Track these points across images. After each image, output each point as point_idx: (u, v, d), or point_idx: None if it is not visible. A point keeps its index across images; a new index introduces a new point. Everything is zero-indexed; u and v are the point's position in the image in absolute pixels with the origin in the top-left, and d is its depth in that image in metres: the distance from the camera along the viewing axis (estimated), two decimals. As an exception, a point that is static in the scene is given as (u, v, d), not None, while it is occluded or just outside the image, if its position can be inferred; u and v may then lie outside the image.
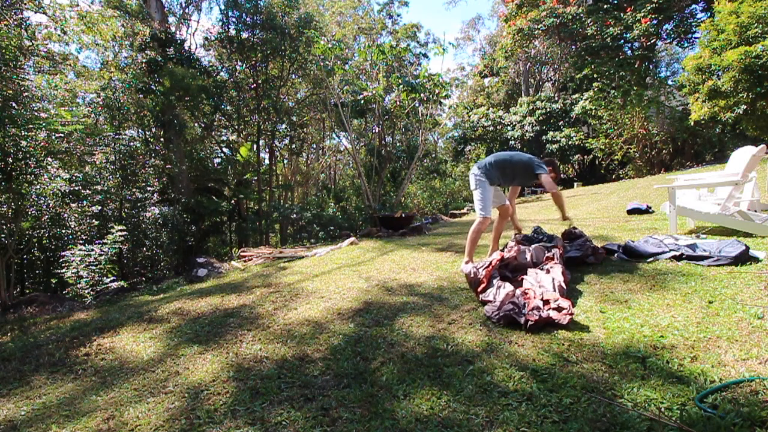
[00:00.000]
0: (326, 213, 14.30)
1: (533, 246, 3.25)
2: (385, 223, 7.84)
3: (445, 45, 10.53)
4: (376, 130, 15.08)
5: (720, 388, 1.59)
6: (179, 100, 11.70)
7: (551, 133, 20.45)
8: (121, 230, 7.05)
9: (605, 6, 16.66)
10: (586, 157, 21.61)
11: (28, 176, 5.99)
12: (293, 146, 20.10)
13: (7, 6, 8.65)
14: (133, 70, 12.74)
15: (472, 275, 2.88)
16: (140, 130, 12.95)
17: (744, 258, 2.95)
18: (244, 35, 13.31)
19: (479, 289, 2.77)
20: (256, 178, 14.68)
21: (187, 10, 17.43)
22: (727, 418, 1.40)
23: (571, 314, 2.31)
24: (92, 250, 6.43)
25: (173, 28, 15.11)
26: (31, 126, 5.97)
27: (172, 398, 1.98)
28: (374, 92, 10.44)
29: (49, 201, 6.84)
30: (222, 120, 15.67)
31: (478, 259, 3.49)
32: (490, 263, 2.91)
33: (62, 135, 7.80)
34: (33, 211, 6.72)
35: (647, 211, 6.03)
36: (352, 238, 6.64)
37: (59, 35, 11.50)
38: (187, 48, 13.57)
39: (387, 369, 2.03)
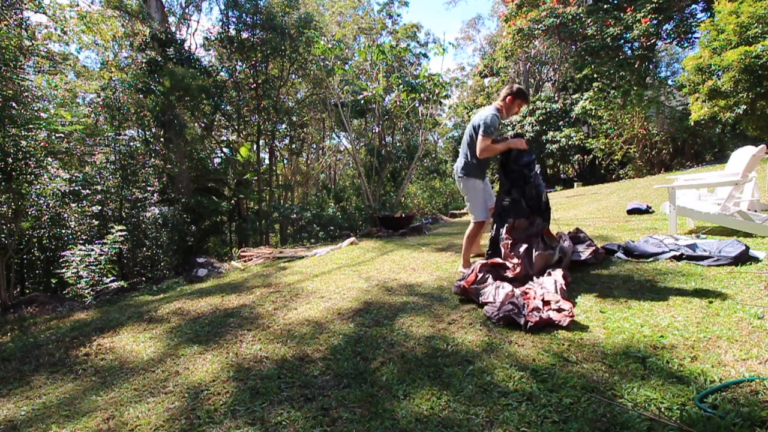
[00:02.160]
0: (326, 213, 14.31)
1: (536, 254, 2.99)
2: (385, 223, 7.84)
3: (445, 45, 10.52)
4: (376, 130, 15.09)
5: (720, 388, 1.59)
6: (179, 100, 11.70)
7: (551, 133, 20.45)
8: (121, 230, 7.05)
9: (605, 6, 16.66)
10: (586, 157, 21.61)
11: (28, 176, 5.99)
12: (293, 146, 20.12)
13: (7, 6, 8.65)
14: (133, 70, 12.75)
15: (456, 290, 2.89)
16: (140, 130, 12.96)
17: (744, 258, 2.95)
18: (244, 35, 13.32)
19: (471, 297, 2.77)
20: (256, 178, 14.69)
21: (187, 10, 17.43)
22: (727, 418, 1.40)
23: (572, 316, 2.30)
24: (92, 250, 6.43)
25: (173, 28, 15.11)
26: (31, 126, 5.97)
27: (172, 398, 1.98)
28: (374, 92, 10.44)
29: (49, 201, 6.85)
30: (222, 120, 15.68)
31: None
32: (472, 271, 2.88)
33: (62, 135, 7.81)
34: (33, 211, 6.72)
35: (647, 211, 6.02)
36: (352, 238, 6.64)
37: (59, 35, 11.51)
38: (187, 48, 13.58)
39: (387, 369, 2.03)
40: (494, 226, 3.28)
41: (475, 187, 3.39)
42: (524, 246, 3.01)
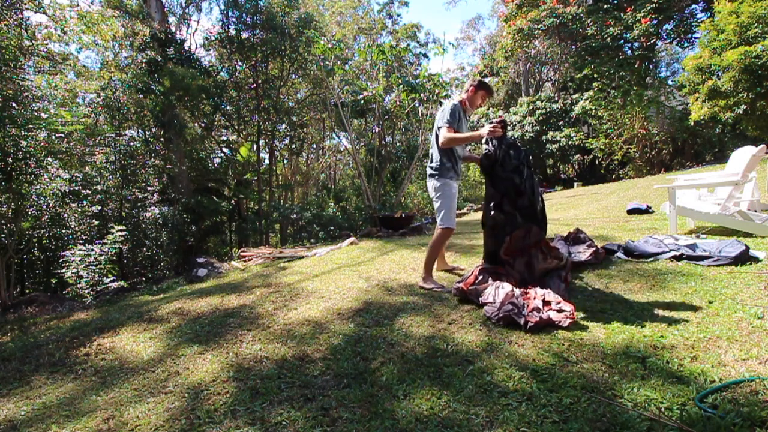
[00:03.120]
0: (326, 213, 14.29)
1: (537, 267, 2.90)
2: (385, 223, 7.84)
3: (445, 45, 10.52)
4: (376, 130, 15.08)
5: (720, 388, 1.59)
6: (179, 100, 11.70)
7: (551, 133, 20.46)
8: (121, 230, 7.05)
9: (605, 6, 16.66)
10: (586, 157, 21.62)
11: (28, 176, 6.00)
12: (293, 146, 20.10)
13: (7, 6, 8.65)
14: (133, 70, 12.75)
15: (455, 293, 2.86)
16: (140, 130, 12.96)
17: (744, 258, 2.96)
18: (244, 35, 13.32)
19: (471, 298, 2.76)
20: (256, 178, 14.69)
21: (187, 10, 17.44)
22: (727, 418, 1.40)
23: (572, 317, 2.30)
24: (92, 250, 6.43)
25: (173, 28, 15.11)
26: (31, 126, 5.97)
27: (172, 398, 1.98)
28: (374, 92, 10.44)
29: (49, 201, 6.85)
30: (222, 120, 15.67)
31: (470, 259, 3.47)
32: (472, 273, 2.87)
33: (62, 135, 7.82)
34: (33, 211, 6.73)
35: (647, 211, 6.03)
36: (352, 238, 6.64)
37: (59, 35, 11.52)
38: (187, 48, 13.57)
39: (387, 369, 2.03)
40: (489, 239, 3.03)
41: (446, 189, 3.16)
42: (524, 260, 2.89)
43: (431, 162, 3.26)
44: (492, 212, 2.89)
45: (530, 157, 3.07)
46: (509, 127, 22.17)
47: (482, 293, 2.68)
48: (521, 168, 2.81)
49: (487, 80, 3.20)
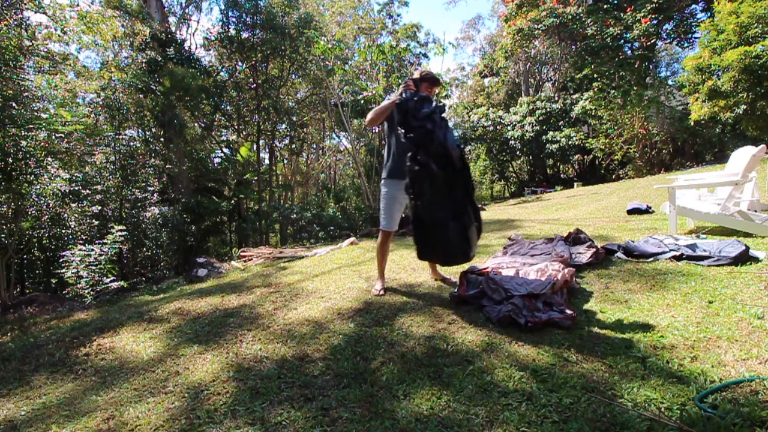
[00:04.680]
0: (326, 213, 14.30)
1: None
2: (385, 223, 7.82)
3: (445, 45, 10.53)
4: (376, 130, 15.08)
5: (720, 388, 1.59)
6: (179, 100, 11.72)
7: (551, 133, 20.47)
8: (121, 230, 7.05)
9: (605, 6, 16.67)
10: (586, 157, 21.65)
11: (28, 176, 6.00)
12: (293, 146, 20.12)
13: (7, 6, 8.66)
14: (133, 70, 12.75)
15: (456, 302, 2.83)
16: (140, 130, 12.96)
17: (744, 258, 2.95)
18: (244, 35, 13.34)
19: (471, 302, 2.75)
20: (256, 178, 14.70)
21: (187, 10, 17.46)
22: (727, 418, 1.40)
23: (573, 318, 2.30)
24: (92, 250, 6.43)
25: (173, 28, 15.13)
26: (31, 126, 5.98)
27: (172, 398, 1.98)
28: (374, 92, 10.45)
29: (49, 201, 6.85)
30: (222, 120, 15.69)
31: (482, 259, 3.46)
32: (463, 282, 2.88)
33: (62, 135, 7.81)
34: (33, 211, 6.73)
35: (647, 211, 6.03)
36: (352, 238, 6.64)
37: (59, 35, 11.50)
38: (187, 48, 13.59)
39: (387, 369, 2.03)
40: (410, 200, 2.81)
41: (385, 190, 3.08)
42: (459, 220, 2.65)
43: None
44: (409, 164, 2.72)
45: (444, 109, 2.91)
46: (509, 127, 22.22)
47: (482, 295, 2.68)
48: (434, 117, 2.72)
49: (423, 71, 2.99)
